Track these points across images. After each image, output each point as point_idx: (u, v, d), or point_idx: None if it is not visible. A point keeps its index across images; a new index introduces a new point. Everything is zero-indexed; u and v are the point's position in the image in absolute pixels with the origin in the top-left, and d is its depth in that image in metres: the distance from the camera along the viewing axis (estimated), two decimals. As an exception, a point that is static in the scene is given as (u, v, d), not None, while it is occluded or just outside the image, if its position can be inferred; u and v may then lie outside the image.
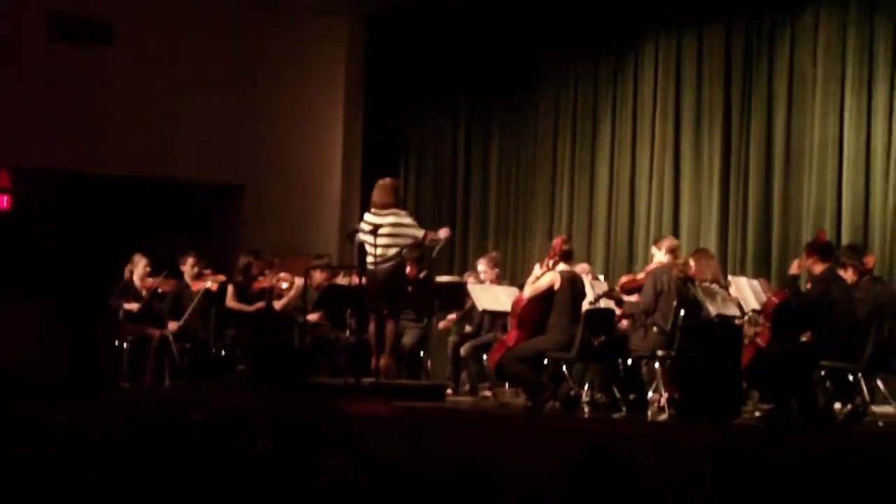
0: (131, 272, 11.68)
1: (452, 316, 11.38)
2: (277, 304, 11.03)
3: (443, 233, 10.00)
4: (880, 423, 8.16)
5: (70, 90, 13.37)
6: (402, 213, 9.77)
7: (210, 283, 11.25)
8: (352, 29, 14.42)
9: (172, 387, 10.95)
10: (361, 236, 9.74)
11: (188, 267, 11.51)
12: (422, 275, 10.48)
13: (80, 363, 12.10)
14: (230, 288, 11.06)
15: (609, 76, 13.06)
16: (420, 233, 9.70)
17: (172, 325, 11.19)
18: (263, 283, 11.05)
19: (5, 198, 13.58)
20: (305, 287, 10.58)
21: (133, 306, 11.42)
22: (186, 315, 11.15)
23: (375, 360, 9.78)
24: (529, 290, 9.10)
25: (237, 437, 4.53)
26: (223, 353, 10.97)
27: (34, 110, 13.20)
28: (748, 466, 4.93)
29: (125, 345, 11.39)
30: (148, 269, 11.65)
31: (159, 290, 11.56)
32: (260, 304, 10.95)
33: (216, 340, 11.03)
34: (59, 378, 11.49)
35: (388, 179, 10.13)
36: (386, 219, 9.60)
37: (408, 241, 9.63)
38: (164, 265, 11.60)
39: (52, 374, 11.65)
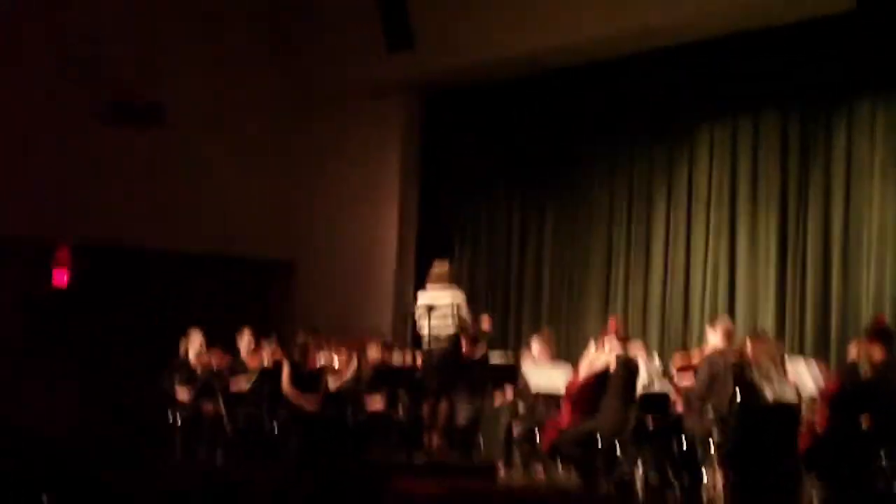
0: (186, 348, 11.75)
1: (510, 393, 11.34)
2: (332, 383, 11.02)
3: (485, 325, 10.13)
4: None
5: (127, 168, 13.60)
6: (461, 293, 9.85)
7: (266, 362, 11.23)
8: (408, 110, 14.59)
9: (225, 464, 10.93)
10: (418, 316, 9.81)
11: (245, 342, 11.54)
12: (478, 355, 10.48)
13: (134, 437, 12.13)
14: (286, 369, 11.02)
15: (664, 162, 13.08)
16: (468, 319, 9.79)
17: (241, 384, 11.09)
18: (320, 360, 11.04)
19: (65, 273, 13.78)
20: (360, 365, 10.60)
21: (185, 396, 11.38)
22: (249, 385, 11.10)
23: (428, 438, 9.76)
24: (585, 369, 9.08)
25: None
26: (276, 430, 10.94)
27: (93, 188, 13.44)
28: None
29: (179, 422, 11.40)
30: (203, 346, 11.71)
31: (214, 367, 11.59)
32: (314, 407, 10.80)
33: (269, 417, 11.01)
34: (114, 451, 11.52)
35: (442, 261, 10.26)
36: (445, 298, 9.70)
37: (459, 322, 9.69)
38: (217, 341, 11.65)
39: (106, 447, 11.68)
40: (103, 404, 12.79)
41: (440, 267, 9.99)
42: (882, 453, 8.09)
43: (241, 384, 11.23)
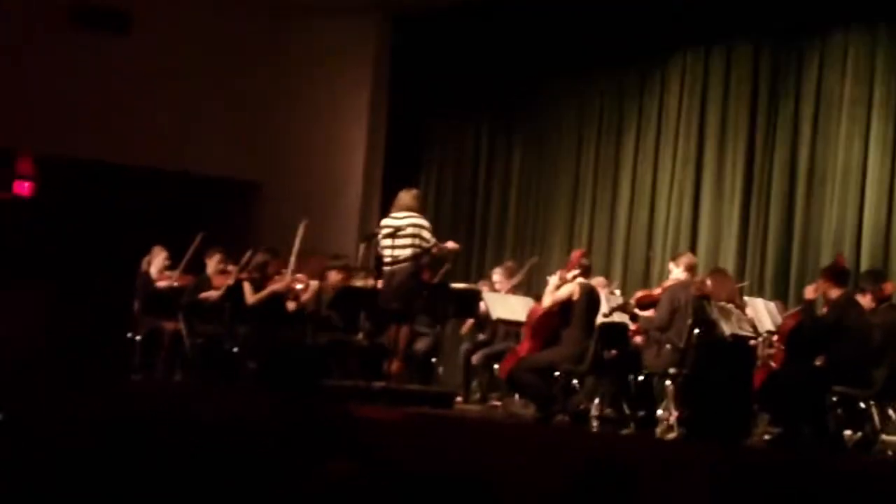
0: (149, 263, 11.69)
1: (469, 321, 11.36)
2: (291, 305, 11.01)
3: (450, 244, 10.07)
4: (889, 453, 8.11)
5: (91, 79, 13.41)
6: (422, 217, 9.81)
7: (231, 280, 11.21)
8: (379, 30, 14.44)
9: (183, 382, 10.94)
10: (380, 239, 9.78)
11: (214, 262, 11.50)
12: (437, 280, 10.50)
13: (91, 352, 12.10)
14: (247, 285, 11.01)
15: (635, 91, 13.03)
16: (432, 241, 9.74)
17: (214, 294, 11.12)
18: (277, 283, 11.00)
19: (28, 185, 13.65)
20: (320, 288, 10.58)
21: (145, 312, 11.33)
22: (209, 302, 11.09)
23: (388, 365, 9.79)
24: (547, 300, 9.11)
25: (244, 437, 4.53)
26: (235, 351, 10.95)
27: (56, 98, 13.25)
28: (752, 488, 4.92)
29: (138, 337, 11.39)
30: (167, 262, 11.66)
31: (175, 284, 11.55)
32: (276, 287, 10.83)
33: (229, 337, 11.01)
34: (68, 365, 11.50)
35: (410, 189, 10.23)
36: (405, 221, 9.66)
37: (422, 246, 9.67)
38: (179, 259, 11.59)
39: (61, 361, 11.66)
40: (65, 318, 12.73)
41: (406, 194, 9.95)
42: (834, 395, 8.18)
43: (212, 295, 11.21)
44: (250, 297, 10.90)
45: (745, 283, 10.95)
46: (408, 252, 9.65)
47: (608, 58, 13.18)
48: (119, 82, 13.58)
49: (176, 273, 11.56)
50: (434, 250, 9.84)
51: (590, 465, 3.81)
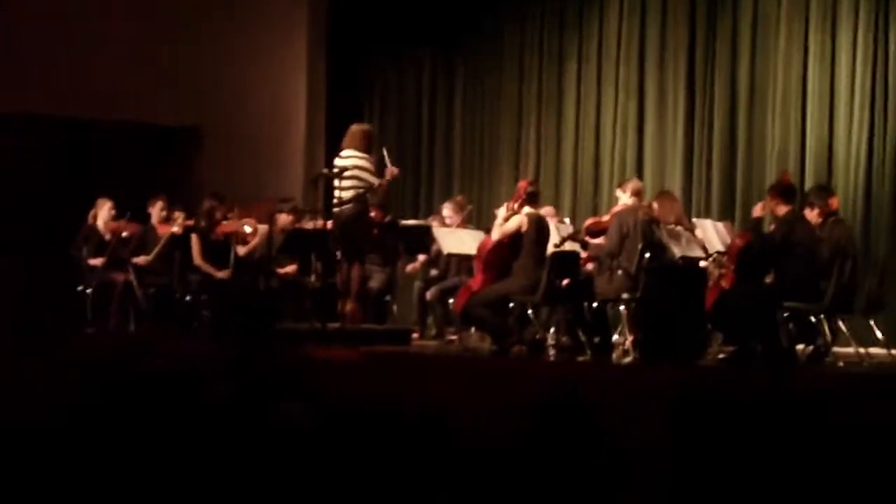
0: (94, 216, 11.56)
1: (421, 257, 11.35)
2: (241, 250, 10.95)
3: (388, 172, 9.94)
4: (841, 364, 8.24)
5: (18, 29, 13.15)
6: (365, 157, 9.71)
7: (176, 228, 11.15)
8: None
9: (136, 332, 10.88)
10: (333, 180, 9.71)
11: (157, 210, 11.41)
12: (386, 219, 10.46)
13: (43, 308, 11.98)
14: (194, 238, 10.92)
15: (574, 17, 13.00)
16: (374, 181, 9.64)
17: (141, 259, 11.09)
18: (227, 227, 10.97)
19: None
20: (271, 232, 10.52)
21: (98, 261, 11.24)
22: (152, 255, 11.07)
23: (341, 305, 9.77)
24: (496, 233, 9.10)
25: (198, 383, 4.50)
26: (188, 298, 10.90)
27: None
28: (709, 407, 4.95)
29: (89, 290, 11.30)
30: (113, 212, 11.53)
31: (123, 235, 11.44)
32: (225, 274, 10.79)
33: (180, 286, 10.95)
34: (21, 322, 11.39)
35: (362, 125, 10.15)
36: (348, 160, 9.60)
37: (363, 187, 9.60)
38: (125, 209, 11.48)
39: (13, 319, 11.54)
40: (8, 276, 12.57)
41: (352, 130, 9.86)
42: (785, 311, 8.27)
43: (140, 261, 11.16)
44: (197, 256, 10.86)
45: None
46: (350, 193, 9.58)
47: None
48: (49, 31, 13.31)
49: (123, 222, 11.44)
50: (377, 188, 9.74)
51: (549, 395, 3.82)
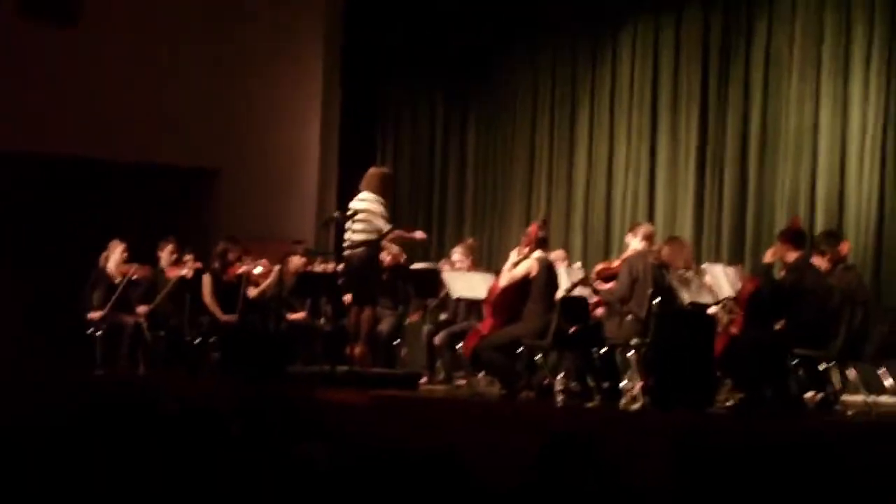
0: (106, 259, 11.59)
1: (419, 312, 11.36)
2: (253, 292, 10.98)
3: (419, 234, 10.03)
4: (850, 413, 8.20)
5: (41, 72, 13.28)
6: (379, 201, 9.72)
7: (186, 271, 11.18)
8: (329, 13, 14.39)
9: (146, 375, 10.89)
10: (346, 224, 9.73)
11: (166, 253, 11.44)
12: (397, 263, 10.49)
13: (53, 351, 12.01)
14: (206, 279, 10.96)
15: (587, 61, 13.09)
16: (385, 227, 9.65)
17: (142, 309, 11.13)
18: (239, 269, 11.00)
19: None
20: (282, 274, 10.56)
21: (97, 315, 11.23)
22: (158, 300, 11.10)
23: (351, 348, 9.77)
24: (506, 278, 9.10)
25: (210, 426, 4.52)
26: (197, 341, 10.91)
27: (6, 90, 13.09)
28: (718, 454, 4.94)
29: (98, 333, 11.31)
30: (125, 255, 11.56)
31: (134, 278, 11.47)
32: (231, 318, 10.83)
33: (190, 328, 10.97)
34: (32, 365, 11.41)
35: (380, 168, 10.20)
36: (362, 203, 9.63)
37: (374, 231, 9.61)
38: (139, 252, 11.51)
39: (24, 361, 11.57)
40: (21, 319, 12.63)
41: (370, 173, 9.90)
42: (795, 358, 8.25)
43: (141, 311, 11.18)
44: (207, 296, 10.87)
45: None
46: (362, 236, 9.60)
47: (560, 29, 13.28)
48: (70, 75, 13.43)
49: (135, 266, 11.46)
50: (391, 237, 9.75)
51: (554, 439, 3.83)
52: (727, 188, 11.77)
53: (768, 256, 8.95)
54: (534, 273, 9.03)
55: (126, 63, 13.71)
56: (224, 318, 10.78)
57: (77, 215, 13.35)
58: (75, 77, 13.46)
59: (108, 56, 13.63)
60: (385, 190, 9.81)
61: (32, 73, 13.25)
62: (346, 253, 9.69)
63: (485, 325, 9.28)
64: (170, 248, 11.45)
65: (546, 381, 9.04)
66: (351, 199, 9.89)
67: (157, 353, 11.05)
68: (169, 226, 12.10)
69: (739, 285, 9.30)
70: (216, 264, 11.09)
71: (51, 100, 13.30)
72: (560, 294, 9.23)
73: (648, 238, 9.30)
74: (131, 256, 11.53)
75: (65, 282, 12.08)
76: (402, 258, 10.55)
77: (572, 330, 9.02)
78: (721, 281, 9.44)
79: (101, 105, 13.55)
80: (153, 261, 11.54)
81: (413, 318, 11.49)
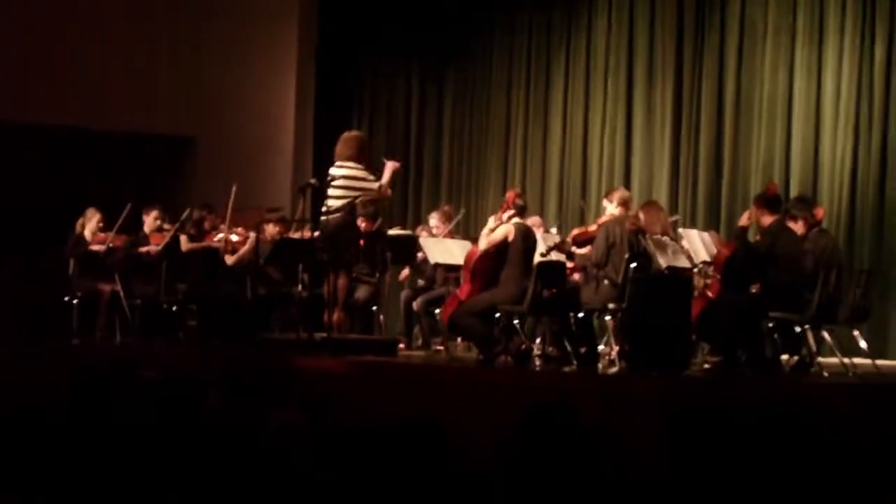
0: (83, 226, 11.55)
1: (408, 271, 11.39)
2: (230, 259, 10.96)
3: (390, 165, 9.91)
4: (826, 374, 8.27)
5: (11, 39, 13.15)
6: (359, 167, 9.69)
7: (169, 239, 11.12)
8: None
9: (123, 343, 10.87)
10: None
11: (151, 219, 11.38)
12: (374, 227, 10.48)
13: (29, 318, 11.98)
14: (182, 238, 10.95)
15: (563, 28, 13.07)
16: (374, 185, 9.63)
17: (153, 248, 11.01)
18: (215, 237, 10.97)
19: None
20: (258, 241, 10.54)
21: (81, 275, 11.19)
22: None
23: (328, 315, 9.77)
24: (484, 243, 9.11)
25: (187, 393, 4.52)
26: (174, 308, 10.89)
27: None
28: (696, 418, 4.96)
29: (75, 300, 11.29)
30: (101, 224, 11.52)
31: (110, 246, 11.43)
32: (210, 243, 10.78)
33: (167, 295, 10.94)
34: (6, 332, 11.39)
35: (354, 132, 10.15)
36: (340, 170, 9.58)
37: (358, 194, 9.59)
38: (112, 221, 11.47)
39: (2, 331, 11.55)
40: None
41: (343, 139, 9.83)
42: (770, 321, 8.30)
43: (151, 249, 11.13)
44: (185, 244, 10.84)
45: (678, 217, 11.07)
46: (340, 202, 9.58)
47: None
48: (42, 43, 13.31)
49: (111, 234, 11.42)
50: (381, 193, 9.71)
51: (534, 407, 3.83)
52: (702, 155, 11.81)
53: (743, 220, 8.99)
54: (511, 238, 9.04)
55: (99, 31, 13.59)
56: (202, 244, 10.75)
57: (51, 183, 13.26)
58: (48, 46, 13.33)
59: (81, 24, 13.51)
60: (361, 152, 9.74)
61: (9, 40, 13.12)
62: (323, 219, 9.66)
63: (462, 291, 9.29)
64: (154, 213, 11.40)
65: (523, 347, 9.07)
66: (327, 166, 9.85)
67: (133, 321, 11.01)
68: (144, 194, 12.01)
69: (715, 250, 9.34)
70: (192, 230, 11.05)
71: (22, 68, 13.19)
72: (537, 259, 9.24)
73: (624, 203, 9.30)
74: (106, 225, 11.50)
75: (38, 251, 12.03)
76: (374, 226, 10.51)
77: (549, 295, 9.04)
78: (697, 245, 9.48)
79: (74, 73, 13.45)
80: (131, 228, 11.48)
81: (403, 276, 11.53)
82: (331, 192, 9.55)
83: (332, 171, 9.62)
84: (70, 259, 11.42)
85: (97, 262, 11.36)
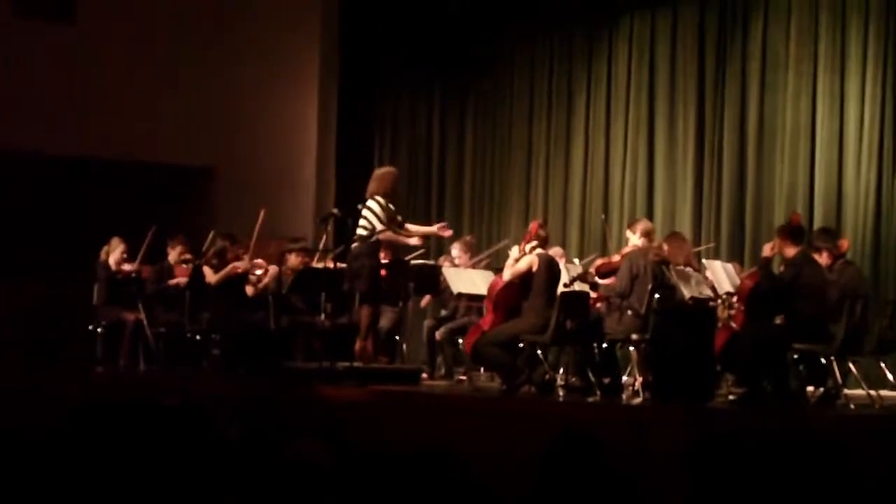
0: (107, 254, 11.60)
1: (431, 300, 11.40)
2: (251, 291, 10.95)
3: (413, 241, 10.06)
4: (852, 406, 8.20)
5: (37, 70, 13.25)
6: (378, 202, 9.73)
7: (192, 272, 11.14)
8: (326, 8, 14.38)
9: (147, 371, 10.89)
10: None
11: (176, 252, 11.43)
12: (396, 259, 10.50)
13: (53, 347, 12.00)
14: (206, 269, 10.96)
15: (584, 55, 13.10)
16: (378, 226, 9.66)
17: (182, 280, 11.04)
18: (238, 268, 10.96)
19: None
20: (280, 271, 10.56)
21: (105, 304, 11.23)
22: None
23: (351, 344, 9.77)
24: (508, 274, 9.11)
25: (211, 421, 4.51)
26: (198, 337, 10.90)
27: (3, 91, 13.08)
28: (720, 450, 4.93)
29: (99, 329, 11.32)
30: (125, 255, 11.57)
31: (135, 275, 11.47)
32: (237, 265, 10.79)
33: (191, 324, 10.96)
34: (31, 360, 11.41)
35: (384, 168, 10.23)
36: (368, 202, 9.69)
37: (368, 228, 9.64)
38: (134, 251, 11.51)
39: (24, 356, 11.56)
40: (20, 313, 12.61)
41: (376, 172, 9.99)
42: (795, 353, 8.25)
43: (181, 281, 11.16)
44: (211, 276, 10.84)
45: (711, 245, 11.07)
46: (363, 233, 9.66)
47: (557, 22, 13.31)
48: (64, 73, 13.41)
49: (136, 263, 11.47)
50: (381, 237, 9.76)
51: (558, 436, 3.82)
52: (725, 184, 11.79)
53: (766, 251, 8.95)
54: (535, 268, 9.04)
55: (121, 61, 13.69)
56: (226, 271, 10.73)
57: (73, 214, 13.34)
58: (70, 75, 13.43)
59: (102, 54, 13.60)
60: (389, 188, 9.83)
61: (27, 71, 13.23)
62: (349, 250, 9.76)
63: (485, 321, 9.29)
64: (180, 248, 11.46)
65: (547, 377, 9.04)
66: (348, 195, 9.91)
67: (157, 350, 11.03)
68: (165, 224, 12.06)
69: (738, 281, 9.31)
70: (215, 261, 11.06)
71: (45, 98, 13.28)
72: (560, 289, 9.23)
73: (647, 235, 9.31)
74: (129, 255, 11.54)
75: (60, 280, 12.07)
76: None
77: (572, 325, 9.02)
78: (721, 276, 9.45)
79: (97, 104, 13.52)
80: (155, 256, 11.52)
81: (424, 302, 11.54)
82: (359, 221, 9.66)
83: (362, 203, 9.72)
84: (95, 287, 11.46)
85: (122, 290, 11.40)
